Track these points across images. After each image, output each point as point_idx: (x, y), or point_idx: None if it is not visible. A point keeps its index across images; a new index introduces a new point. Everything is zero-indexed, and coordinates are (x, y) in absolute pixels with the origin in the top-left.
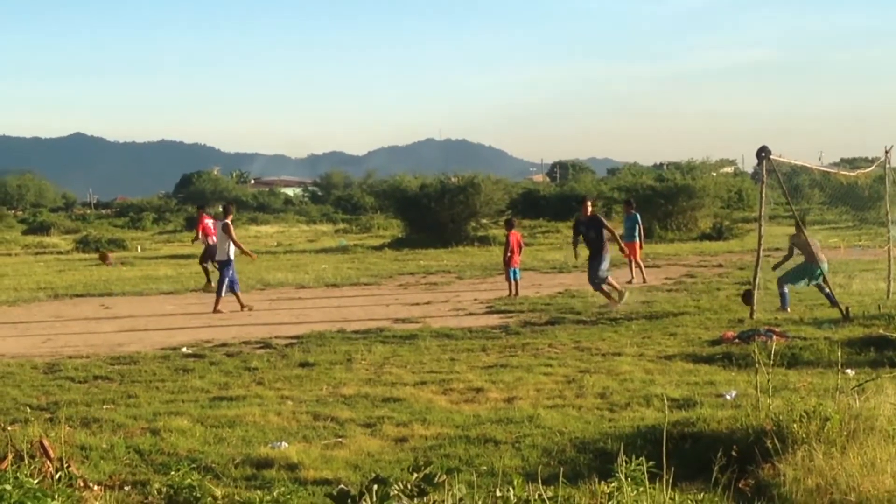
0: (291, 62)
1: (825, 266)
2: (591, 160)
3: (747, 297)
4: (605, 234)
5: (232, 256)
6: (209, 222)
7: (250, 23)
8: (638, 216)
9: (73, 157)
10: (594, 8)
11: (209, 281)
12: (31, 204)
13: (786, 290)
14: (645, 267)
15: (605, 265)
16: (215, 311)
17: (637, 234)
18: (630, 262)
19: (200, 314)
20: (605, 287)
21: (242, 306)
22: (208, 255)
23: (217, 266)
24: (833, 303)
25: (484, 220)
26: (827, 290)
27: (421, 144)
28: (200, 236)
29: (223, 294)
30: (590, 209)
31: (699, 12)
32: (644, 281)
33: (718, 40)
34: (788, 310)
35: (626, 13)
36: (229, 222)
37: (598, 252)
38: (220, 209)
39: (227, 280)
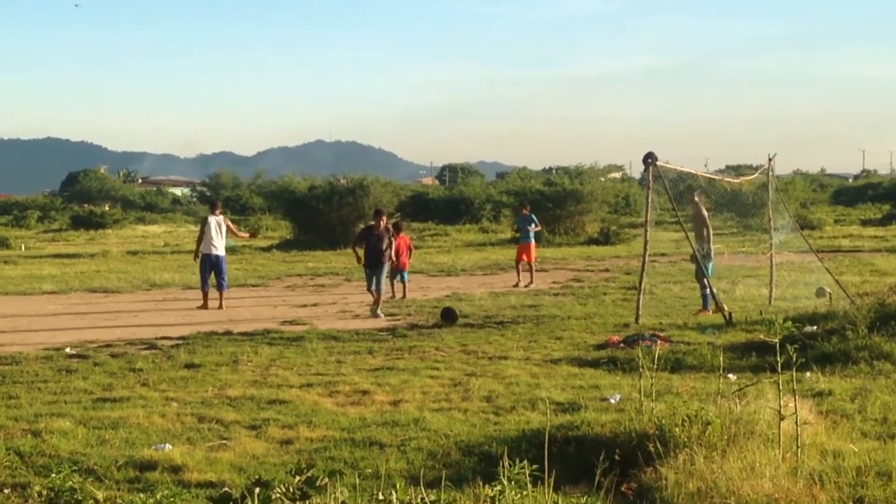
0: (181, 61)
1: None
2: (481, 164)
3: (447, 314)
4: (388, 247)
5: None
6: None
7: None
8: (534, 217)
9: None
10: (486, 12)
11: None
12: None
13: (707, 290)
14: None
15: (384, 276)
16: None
17: (532, 235)
18: (518, 264)
19: (84, 314)
20: (377, 294)
21: (205, 305)
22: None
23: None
24: (706, 304)
25: (372, 223)
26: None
27: (311, 146)
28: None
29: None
30: (383, 223)
31: (591, 18)
32: (531, 283)
33: (610, 47)
34: (710, 310)
35: (518, 18)
36: (206, 216)
37: (380, 262)
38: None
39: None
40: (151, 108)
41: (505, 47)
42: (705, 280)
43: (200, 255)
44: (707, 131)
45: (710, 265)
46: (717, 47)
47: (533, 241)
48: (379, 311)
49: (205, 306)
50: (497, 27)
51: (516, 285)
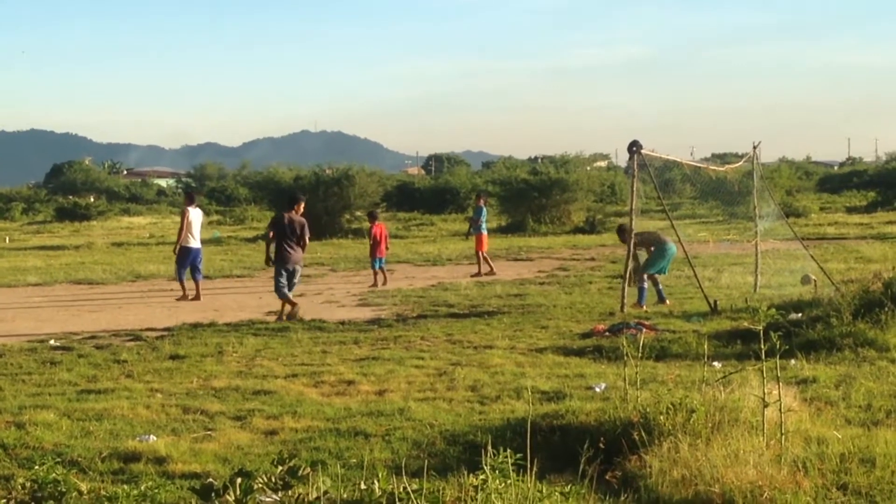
0: (167, 53)
1: (673, 247)
2: (467, 153)
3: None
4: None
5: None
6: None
7: (125, 12)
8: (483, 209)
9: None
10: (472, 4)
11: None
12: None
13: (645, 284)
14: (516, 260)
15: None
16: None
17: (482, 226)
18: (478, 254)
19: (69, 306)
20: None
21: (185, 295)
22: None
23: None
24: (640, 299)
25: (358, 213)
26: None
27: (297, 136)
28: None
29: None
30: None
31: (577, 8)
32: (491, 271)
33: (596, 37)
34: (644, 306)
35: (504, 8)
36: (186, 208)
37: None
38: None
39: (185, 266)
40: (137, 99)
41: (491, 38)
42: (644, 276)
43: (180, 247)
44: (692, 120)
45: (662, 263)
46: (703, 37)
47: (484, 231)
48: (295, 313)
49: (185, 297)
50: (483, 18)
51: (477, 274)
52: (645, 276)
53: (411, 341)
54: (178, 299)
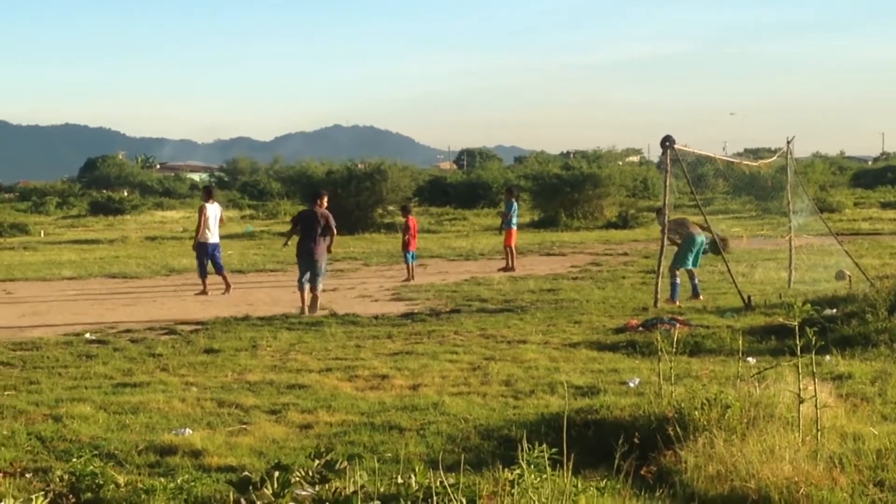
0: (200, 47)
1: (702, 238)
2: (499, 148)
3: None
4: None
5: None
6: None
7: (157, 6)
8: (514, 204)
9: None
10: None
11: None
12: None
13: (677, 279)
14: (548, 255)
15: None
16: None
17: (513, 221)
18: (507, 248)
19: (104, 300)
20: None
21: (205, 291)
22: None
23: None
24: (677, 295)
25: (390, 207)
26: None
27: (329, 130)
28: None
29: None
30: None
31: (612, 3)
32: (510, 267)
33: (629, 32)
34: (678, 301)
35: (538, 3)
36: (204, 204)
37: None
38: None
39: (205, 262)
40: (170, 94)
41: (525, 32)
42: (675, 271)
43: (198, 242)
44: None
45: (690, 256)
46: (737, 32)
47: (513, 226)
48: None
49: (204, 292)
50: (517, 12)
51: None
52: (677, 272)
53: (445, 336)
54: (196, 294)
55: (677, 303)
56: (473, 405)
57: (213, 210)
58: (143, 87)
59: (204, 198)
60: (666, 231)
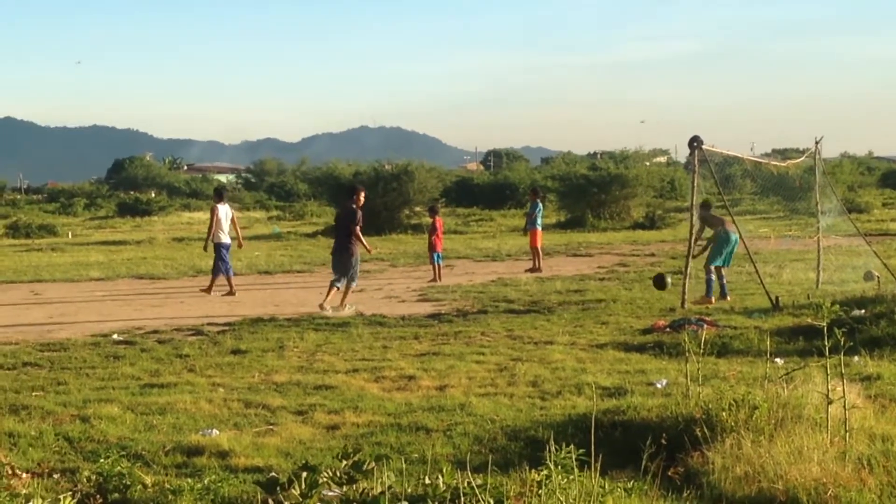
0: (227, 48)
1: (737, 237)
2: (525, 149)
3: (659, 281)
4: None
5: (222, 241)
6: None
7: (184, 8)
8: (539, 204)
9: (3, 142)
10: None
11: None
12: None
13: (712, 276)
14: (575, 256)
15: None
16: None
17: (538, 221)
18: (533, 249)
19: (131, 301)
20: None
21: (232, 291)
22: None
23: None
24: (708, 292)
25: (417, 208)
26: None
27: (356, 132)
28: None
29: (217, 276)
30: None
31: (638, 3)
32: (536, 268)
33: (656, 31)
34: (713, 299)
35: (564, 3)
36: (216, 205)
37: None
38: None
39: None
40: (197, 95)
41: (550, 33)
42: (711, 267)
43: (215, 244)
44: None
45: (724, 253)
46: (764, 31)
47: (537, 227)
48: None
49: (231, 292)
50: (543, 12)
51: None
52: (712, 269)
53: (472, 337)
54: (224, 294)
55: (712, 300)
56: (500, 406)
57: (225, 211)
58: (171, 88)
59: (216, 199)
60: (702, 226)
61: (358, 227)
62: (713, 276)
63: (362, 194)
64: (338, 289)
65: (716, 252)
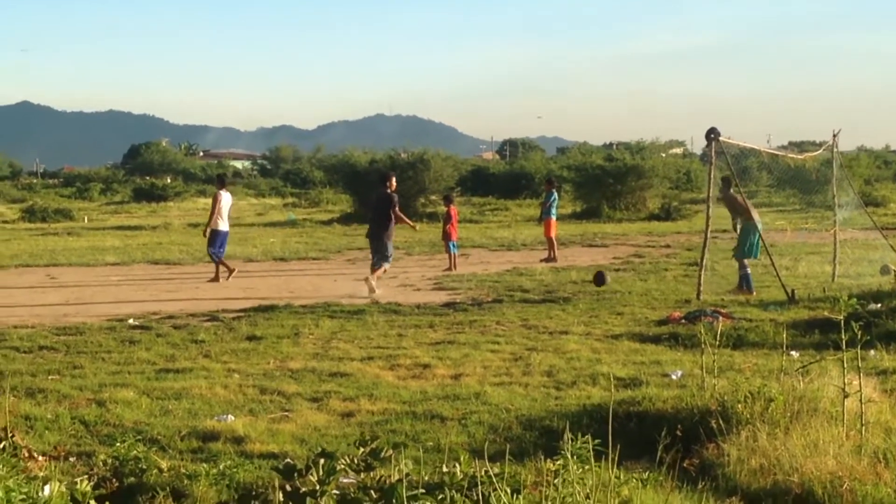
0: (243, 35)
1: (761, 226)
2: (541, 139)
3: (598, 278)
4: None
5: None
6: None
7: None
8: (554, 194)
9: (19, 126)
10: None
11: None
12: None
13: (748, 269)
14: (591, 246)
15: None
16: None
17: (552, 211)
18: (548, 239)
19: (147, 286)
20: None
21: (231, 269)
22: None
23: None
24: (747, 285)
25: (433, 197)
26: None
27: (372, 120)
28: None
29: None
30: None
31: None
32: (551, 257)
33: (672, 23)
34: (754, 293)
35: None
36: (218, 192)
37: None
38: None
39: (220, 247)
40: (213, 81)
41: (566, 24)
42: (744, 261)
43: (212, 230)
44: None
45: (751, 241)
46: (780, 24)
47: (552, 216)
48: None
49: (230, 273)
50: (558, 2)
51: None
52: (745, 261)
53: (487, 326)
54: (227, 279)
55: (753, 293)
56: (515, 395)
57: (227, 198)
58: (188, 74)
59: (218, 185)
60: (732, 206)
61: (398, 208)
62: (748, 270)
63: (394, 179)
64: (384, 269)
65: (744, 243)
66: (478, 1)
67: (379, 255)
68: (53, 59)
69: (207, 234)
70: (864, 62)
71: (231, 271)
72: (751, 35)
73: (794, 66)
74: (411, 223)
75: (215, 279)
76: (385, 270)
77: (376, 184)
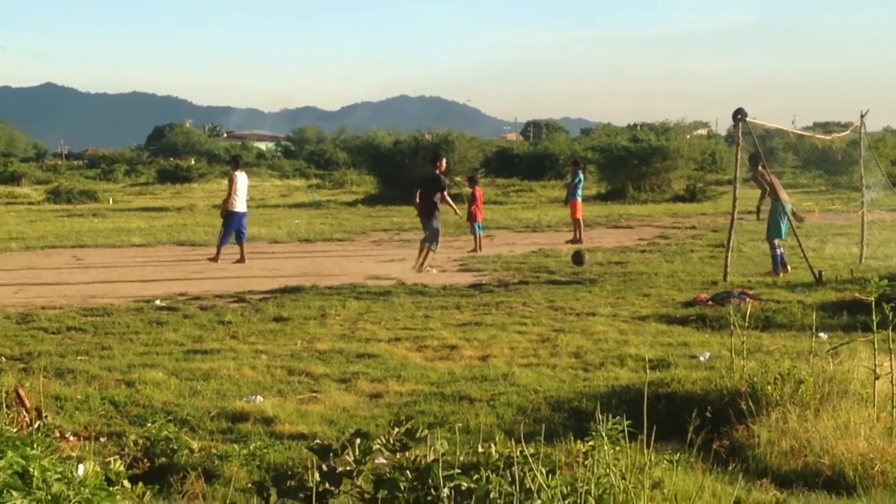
0: (267, 16)
1: (789, 206)
2: (565, 120)
3: (577, 258)
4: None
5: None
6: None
7: None
8: (580, 175)
9: (44, 108)
10: None
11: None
12: (1, 153)
13: (779, 250)
14: (616, 228)
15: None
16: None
17: (577, 192)
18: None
19: (173, 267)
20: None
21: (217, 258)
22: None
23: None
24: (779, 266)
25: (458, 178)
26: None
27: (395, 101)
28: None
29: (242, 243)
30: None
31: None
32: (577, 239)
33: (698, 3)
34: (786, 271)
35: None
36: (234, 173)
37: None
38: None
39: (231, 231)
40: (238, 62)
41: (590, 4)
42: (776, 241)
43: (228, 211)
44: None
45: (780, 223)
46: (805, 4)
47: (577, 198)
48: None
49: (216, 259)
50: None
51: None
52: (776, 242)
53: (513, 307)
54: (210, 259)
55: (789, 271)
56: (543, 377)
57: (243, 179)
58: (211, 56)
59: (233, 167)
60: (761, 185)
61: (445, 192)
62: (780, 250)
63: (444, 160)
64: (432, 250)
65: (774, 223)
66: None
67: (431, 235)
68: (77, 41)
69: (224, 217)
70: (890, 43)
71: (216, 259)
72: (776, 14)
73: (818, 47)
74: (456, 209)
75: (241, 260)
76: (432, 254)
77: (426, 163)
